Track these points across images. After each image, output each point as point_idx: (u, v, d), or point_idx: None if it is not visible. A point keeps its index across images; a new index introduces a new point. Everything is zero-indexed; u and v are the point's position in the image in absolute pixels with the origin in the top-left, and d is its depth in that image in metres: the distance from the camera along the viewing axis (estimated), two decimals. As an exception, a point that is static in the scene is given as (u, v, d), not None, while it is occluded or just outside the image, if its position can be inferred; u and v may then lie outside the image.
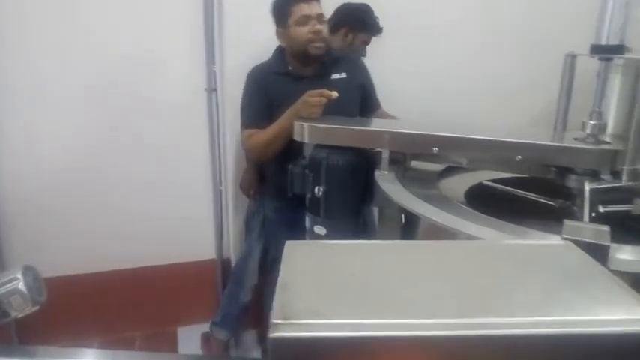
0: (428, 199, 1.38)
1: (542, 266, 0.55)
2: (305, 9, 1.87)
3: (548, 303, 0.47)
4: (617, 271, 0.94)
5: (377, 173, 1.54)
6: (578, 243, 0.83)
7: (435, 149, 1.48)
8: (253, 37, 2.28)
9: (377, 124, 1.71)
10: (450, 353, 0.42)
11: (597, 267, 0.56)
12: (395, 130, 1.54)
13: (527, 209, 1.59)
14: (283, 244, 2.24)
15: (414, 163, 1.73)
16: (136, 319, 2.68)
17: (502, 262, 0.57)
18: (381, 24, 2.25)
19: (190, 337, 2.69)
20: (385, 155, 1.53)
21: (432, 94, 2.59)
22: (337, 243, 0.63)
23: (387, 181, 1.47)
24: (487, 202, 1.56)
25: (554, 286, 0.51)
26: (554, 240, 0.63)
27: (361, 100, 2.10)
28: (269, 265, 2.36)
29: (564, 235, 0.96)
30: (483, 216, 1.30)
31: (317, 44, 1.89)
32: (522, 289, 0.50)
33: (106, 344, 2.58)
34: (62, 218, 2.46)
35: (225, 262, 2.74)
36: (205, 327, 2.77)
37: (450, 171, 1.74)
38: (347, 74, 2.03)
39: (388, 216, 1.63)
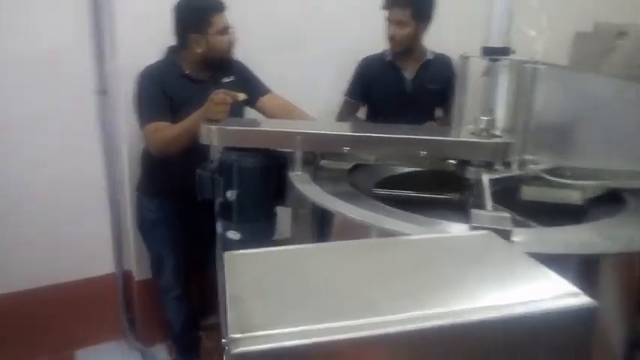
0: (342, 197, 1.41)
1: (474, 257, 0.59)
2: (225, 20, 1.99)
3: (489, 291, 0.50)
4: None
5: (291, 174, 1.54)
6: (484, 229, 0.91)
7: (347, 148, 1.52)
8: (147, 37, 2.17)
9: (287, 125, 1.71)
10: (417, 345, 0.44)
11: (520, 254, 0.61)
12: (307, 131, 1.56)
13: (430, 201, 1.70)
14: (169, 242, 2.16)
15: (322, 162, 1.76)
16: (26, 346, 2.42)
17: (439, 256, 0.60)
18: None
19: (91, 360, 2.50)
20: (298, 156, 1.53)
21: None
22: (276, 250, 0.62)
23: (302, 182, 1.48)
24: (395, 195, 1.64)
25: (491, 274, 0.54)
26: (476, 231, 0.68)
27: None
28: (155, 268, 2.29)
29: (473, 224, 1.03)
30: (395, 210, 1.36)
31: (231, 52, 2.07)
32: (464, 281, 0.53)
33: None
34: None
35: (126, 275, 2.57)
36: (108, 347, 2.59)
37: (358, 168, 1.79)
38: (234, 77, 2.13)
39: (302, 216, 1.64)
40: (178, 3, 1.98)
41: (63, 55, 2.22)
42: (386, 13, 2.27)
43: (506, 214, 1.08)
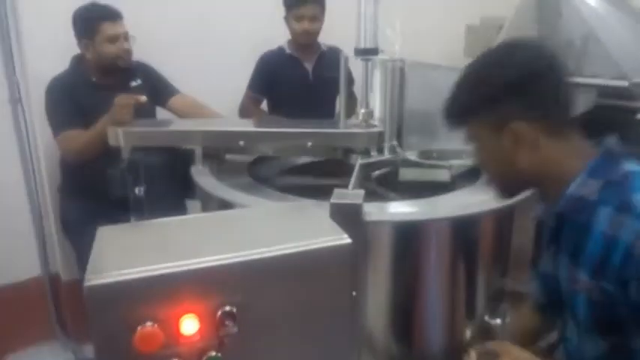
0: (240, 187, 1.59)
1: (286, 218, 0.80)
2: (112, 28, 2.06)
3: (283, 239, 0.72)
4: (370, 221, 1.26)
5: (192, 168, 1.71)
6: (340, 204, 1.13)
7: (242, 142, 1.71)
8: (56, 44, 2.27)
9: (188, 124, 1.88)
10: (215, 278, 0.64)
11: (323, 215, 0.83)
12: (205, 129, 1.73)
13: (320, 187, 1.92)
14: (94, 239, 2.24)
15: (229, 156, 1.94)
16: (-46, 354, 2.46)
17: (262, 219, 0.81)
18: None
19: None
20: (198, 151, 1.71)
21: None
22: (140, 223, 0.81)
23: (201, 175, 1.65)
24: (291, 183, 1.86)
25: (290, 229, 0.76)
26: (298, 202, 0.89)
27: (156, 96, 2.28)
28: (83, 265, 2.38)
29: (332, 200, 1.25)
30: (280, 195, 1.55)
31: (124, 60, 2.13)
32: (268, 233, 0.74)
33: None
34: None
35: (53, 278, 2.65)
36: (40, 349, 2.64)
37: (260, 160, 1.99)
38: (141, 80, 2.25)
39: (209, 208, 1.81)
40: (75, 11, 2.10)
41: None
42: (294, 10, 2.43)
43: (361, 192, 1.30)
